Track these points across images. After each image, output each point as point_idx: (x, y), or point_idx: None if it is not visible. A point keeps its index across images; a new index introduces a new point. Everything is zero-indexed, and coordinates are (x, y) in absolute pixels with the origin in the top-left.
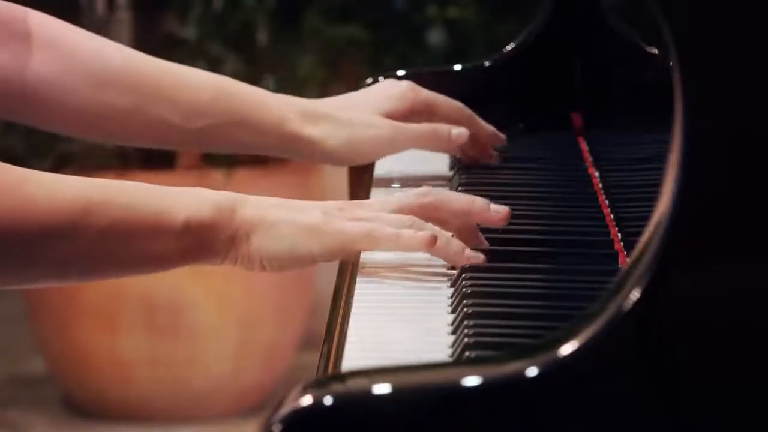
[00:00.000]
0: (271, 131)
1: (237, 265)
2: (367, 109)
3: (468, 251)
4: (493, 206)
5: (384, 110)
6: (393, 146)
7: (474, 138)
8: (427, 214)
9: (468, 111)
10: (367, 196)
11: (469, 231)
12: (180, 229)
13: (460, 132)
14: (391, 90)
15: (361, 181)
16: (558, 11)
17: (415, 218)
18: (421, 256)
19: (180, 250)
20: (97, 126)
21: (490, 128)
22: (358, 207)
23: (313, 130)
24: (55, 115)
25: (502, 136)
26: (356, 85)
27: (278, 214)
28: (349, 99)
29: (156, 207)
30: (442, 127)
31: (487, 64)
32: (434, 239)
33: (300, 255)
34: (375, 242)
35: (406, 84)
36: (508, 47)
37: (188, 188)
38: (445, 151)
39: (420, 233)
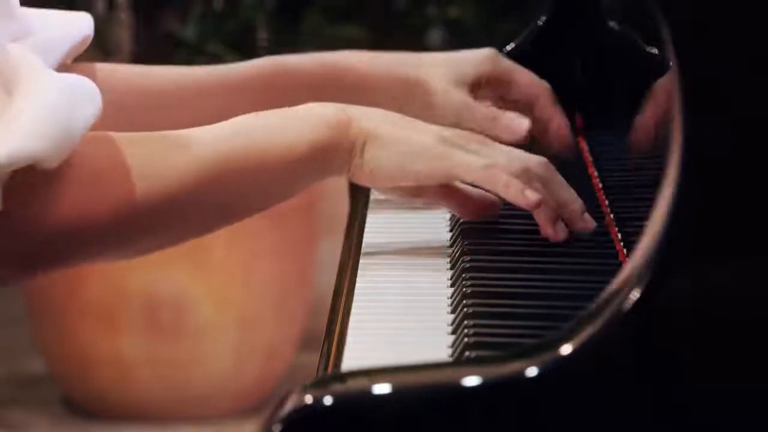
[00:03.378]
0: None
1: (350, 175)
2: (441, 75)
3: (559, 225)
4: (586, 215)
5: (457, 78)
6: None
7: (545, 127)
8: (532, 182)
9: (547, 96)
10: (367, 194)
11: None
12: (306, 155)
13: (519, 124)
14: (468, 57)
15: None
16: (558, 11)
17: (527, 171)
18: (423, 252)
19: (307, 173)
20: None
21: (563, 127)
22: (478, 141)
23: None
24: None
25: (570, 140)
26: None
27: (393, 129)
28: (421, 59)
29: (282, 141)
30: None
31: None
32: (539, 203)
33: (407, 172)
34: (485, 178)
35: (484, 52)
36: (508, 47)
37: (302, 107)
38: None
39: (529, 191)
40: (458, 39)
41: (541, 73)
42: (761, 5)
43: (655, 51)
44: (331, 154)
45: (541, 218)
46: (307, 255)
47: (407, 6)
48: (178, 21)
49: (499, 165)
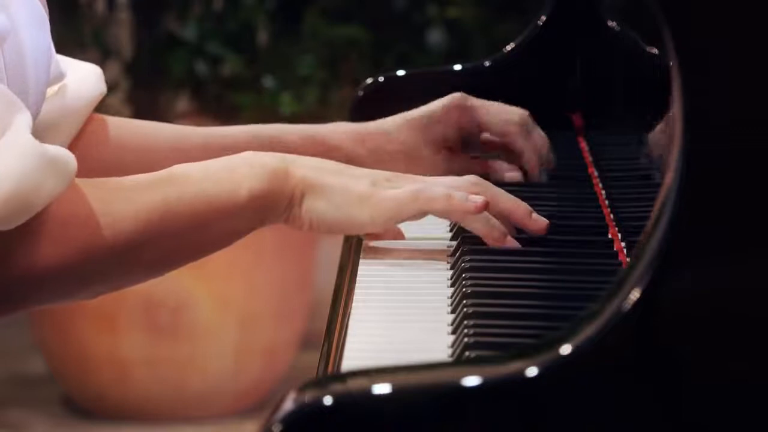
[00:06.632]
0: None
1: (288, 224)
2: (403, 145)
3: (508, 236)
4: (534, 215)
5: (425, 140)
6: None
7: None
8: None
9: (516, 131)
10: None
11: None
12: (245, 203)
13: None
14: (433, 115)
15: None
16: (558, 11)
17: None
18: (423, 252)
19: (247, 221)
20: None
21: (533, 160)
22: (407, 179)
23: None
24: None
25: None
26: (356, 85)
27: (331, 180)
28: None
29: (222, 188)
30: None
31: (487, 64)
32: (485, 205)
33: (350, 223)
34: (425, 203)
35: (448, 106)
36: (508, 47)
37: (241, 157)
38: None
39: (472, 196)
40: (458, 39)
41: (541, 74)
42: (761, 5)
43: (655, 51)
44: (270, 203)
45: (484, 226)
46: (307, 255)
47: (407, 6)
48: (178, 21)
49: (428, 189)
